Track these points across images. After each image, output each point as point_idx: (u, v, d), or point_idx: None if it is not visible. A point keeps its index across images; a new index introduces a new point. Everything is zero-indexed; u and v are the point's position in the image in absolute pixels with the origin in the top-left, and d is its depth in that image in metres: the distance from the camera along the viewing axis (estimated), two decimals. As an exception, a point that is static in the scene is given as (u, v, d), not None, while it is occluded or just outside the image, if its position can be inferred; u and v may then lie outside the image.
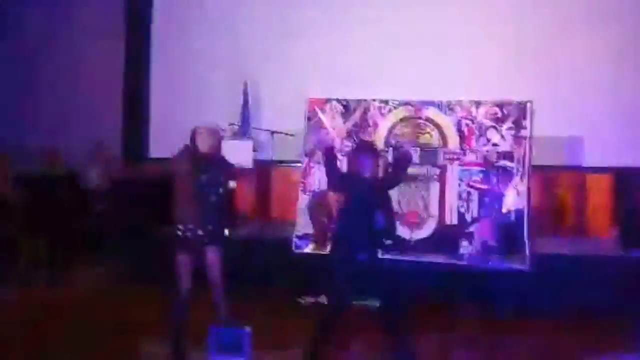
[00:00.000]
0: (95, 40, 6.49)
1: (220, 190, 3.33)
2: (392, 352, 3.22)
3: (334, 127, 5.11)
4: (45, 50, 6.66)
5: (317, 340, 3.14)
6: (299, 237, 5.02)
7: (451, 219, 4.80)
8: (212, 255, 3.31)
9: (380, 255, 3.53)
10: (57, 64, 6.63)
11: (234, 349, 1.34)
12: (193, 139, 3.34)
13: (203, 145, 3.31)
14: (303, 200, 5.10)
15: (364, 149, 3.60)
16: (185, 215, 3.27)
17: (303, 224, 5.03)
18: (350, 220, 3.34)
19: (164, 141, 6.33)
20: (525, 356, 3.66)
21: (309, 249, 4.98)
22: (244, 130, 5.93)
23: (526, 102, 4.76)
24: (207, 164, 3.32)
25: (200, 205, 3.25)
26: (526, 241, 4.60)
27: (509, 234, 4.66)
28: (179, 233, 3.26)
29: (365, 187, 3.33)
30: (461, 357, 3.66)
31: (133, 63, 6.61)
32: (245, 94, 6.13)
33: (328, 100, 5.16)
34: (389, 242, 3.56)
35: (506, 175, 4.76)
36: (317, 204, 5.06)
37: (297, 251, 4.97)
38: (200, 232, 3.26)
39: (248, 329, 1.30)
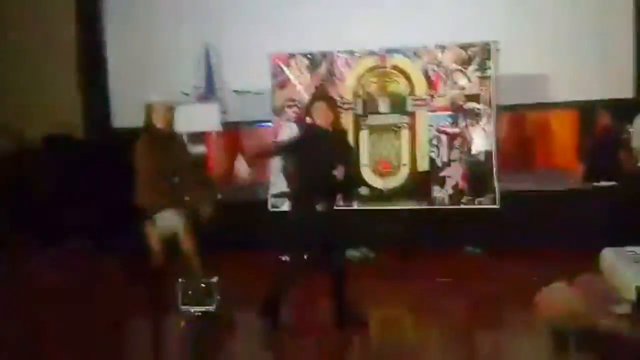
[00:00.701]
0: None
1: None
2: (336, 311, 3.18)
3: (301, 82, 5.05)
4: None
5: (276, 292, 3.12)
6: (275, 196, 5.04)
7: (423, 165, 4.89)
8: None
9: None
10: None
11: (203, 300, 1.39)
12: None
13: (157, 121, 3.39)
14: (276, 158, 5.08)
15: (320, 99, 3.51)
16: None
17: (278, 183, 5.05)
18: (311, 173, 3.26)
19: (127, 110, 6.16)
20: (500, 291, 3.84)
21: (285, 206, 5.02)
22: (209, 92, 5.79)
23: (490, 43, 4.78)
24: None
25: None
26: (495, 180, 4.75)
27: (479, 175, 4.78)
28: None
29: (323, 139, 3.27)
30: (443, 298, 3.81)
31: (87, 26, 6.27)
32: (207, 55, 5.94)
33: (292, 55, 5.07)
34: (364, 191, 3.54)
35: (474, 117, 4.83)
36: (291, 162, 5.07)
37: (274, 210, 5.01)
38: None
39: (215, 279, 1.35)
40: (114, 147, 5.54)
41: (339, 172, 3.20)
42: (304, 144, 3.38)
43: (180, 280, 1.36)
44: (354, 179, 3.40)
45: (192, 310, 1.41)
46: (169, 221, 3.28)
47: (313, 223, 3.18)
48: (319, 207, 3.19)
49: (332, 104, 3.44)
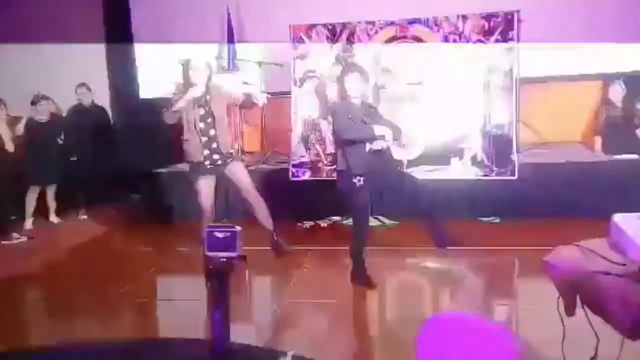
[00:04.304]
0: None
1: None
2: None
3: (321, 53, 5.09)
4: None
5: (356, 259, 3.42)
6: (295, 166, 5.16)
7: (442, 136, 4.91)
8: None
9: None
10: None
11: (226, 246, 1.52)
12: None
13: (195, 77, 3.63)
14: (296, 129, 5.18)
15: (351, 69, 3.57)
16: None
17: (298, 153, 5.15)
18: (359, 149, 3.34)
19: (153, 81, 6.31)
20: (513, 259, 3.91)
21: (305, 176, 5.14)
22: (231, 63, 5.88)
23: (513, 12, 4.72)
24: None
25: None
26: (515, 152, 4.75)
27: (498, 147, 4.79)
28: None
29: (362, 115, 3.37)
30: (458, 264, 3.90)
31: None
32: (230, 26, 6.01)
33: (313, 26, 5.10)
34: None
35: (495, 88, 4.81)
36: (310, 133, 5.15)
37: (294, 179, 5.13)
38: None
39: (238, 227, 1.46)
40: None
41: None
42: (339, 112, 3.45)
43: (205, 229, 1.49)
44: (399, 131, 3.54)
45: (217, 256, 1.54)
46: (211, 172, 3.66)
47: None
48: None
49: (364, 75, 3.51)
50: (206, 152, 3.68)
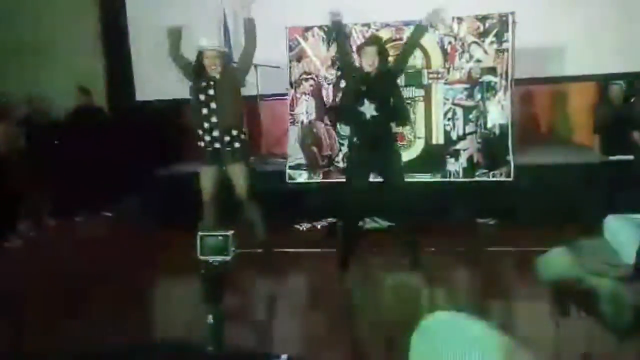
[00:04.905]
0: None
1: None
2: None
3: (317, 55, 5.10)
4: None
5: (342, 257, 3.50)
6: (292, 168, 5.17)
7: (438, 138, 4.93)
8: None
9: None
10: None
11: (220, 250, 1.52)
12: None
13: (209, 66, 3.65)
14: (293, 131, 5.19)
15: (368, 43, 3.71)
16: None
17: (294, 155, 5.16)
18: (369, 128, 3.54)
19: (149, 83, 6.31)
20: (508, 260, 3.92)
21: (302, 178, 5.15)
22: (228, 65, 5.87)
23: (507, 14, 4.74)
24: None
25: None
26: (510, 154, 4.77)
27: (494, 148, 4.81)
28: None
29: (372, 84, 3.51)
30: (458, 271, 3.91)
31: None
32: (226, 28, 6.01)
33: (309, 28, 5.11)
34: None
35: (490, 90, 4.83)
36: (307, 134, 5.16)
37: (291, 181, 5.14)
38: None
39: (231, 232, 1.47)
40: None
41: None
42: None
43: (199, 233, 1.49)
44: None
45: (210, 260, 1.54)
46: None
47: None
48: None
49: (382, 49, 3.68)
50: (206, 124, 3.67)
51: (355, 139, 3.67)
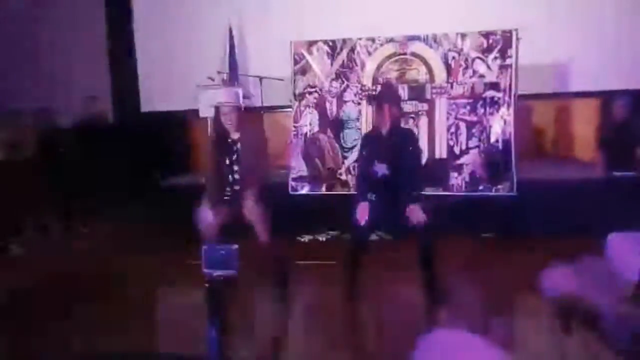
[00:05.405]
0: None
1: None
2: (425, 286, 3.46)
3: (321, 69, 5.14)
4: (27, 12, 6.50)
5: (348, 275, 3.47)
6: (295, 180, 5.18)
7: (441, 152, 4.94)
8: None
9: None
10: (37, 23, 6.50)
11: (224, 264, 1.53)
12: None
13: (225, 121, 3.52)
14: (296, 143, 5.21)
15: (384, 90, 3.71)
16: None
17: (298, 167, 5.18)
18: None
19: (155, 95, 6.37)
20: (510, 276, 3.90)
21: (305, 190, 5.16)
22: (232, 77, 5.93)
23: (511, 31, 4.78)
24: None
25: None
26: (513, 169, 4.78)
27: (497, 163, 4.81)
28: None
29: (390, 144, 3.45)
30: (457, 283, 3.89)
31: (115, 14, 6.49)
32: (232, 41, 6.08)
33: (313, 42, 5.16)
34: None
35: (493, 105, 4.86)
36: (310, 147, 5.18)
37: (294, 193, 5.15)
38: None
39: (236, 246, 1.47)
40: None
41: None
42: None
43: (204, 246, 1.50)
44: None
45: (214, 274, 1.55)
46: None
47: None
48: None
49: (397, 104, 3.61)
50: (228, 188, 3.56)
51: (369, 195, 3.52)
